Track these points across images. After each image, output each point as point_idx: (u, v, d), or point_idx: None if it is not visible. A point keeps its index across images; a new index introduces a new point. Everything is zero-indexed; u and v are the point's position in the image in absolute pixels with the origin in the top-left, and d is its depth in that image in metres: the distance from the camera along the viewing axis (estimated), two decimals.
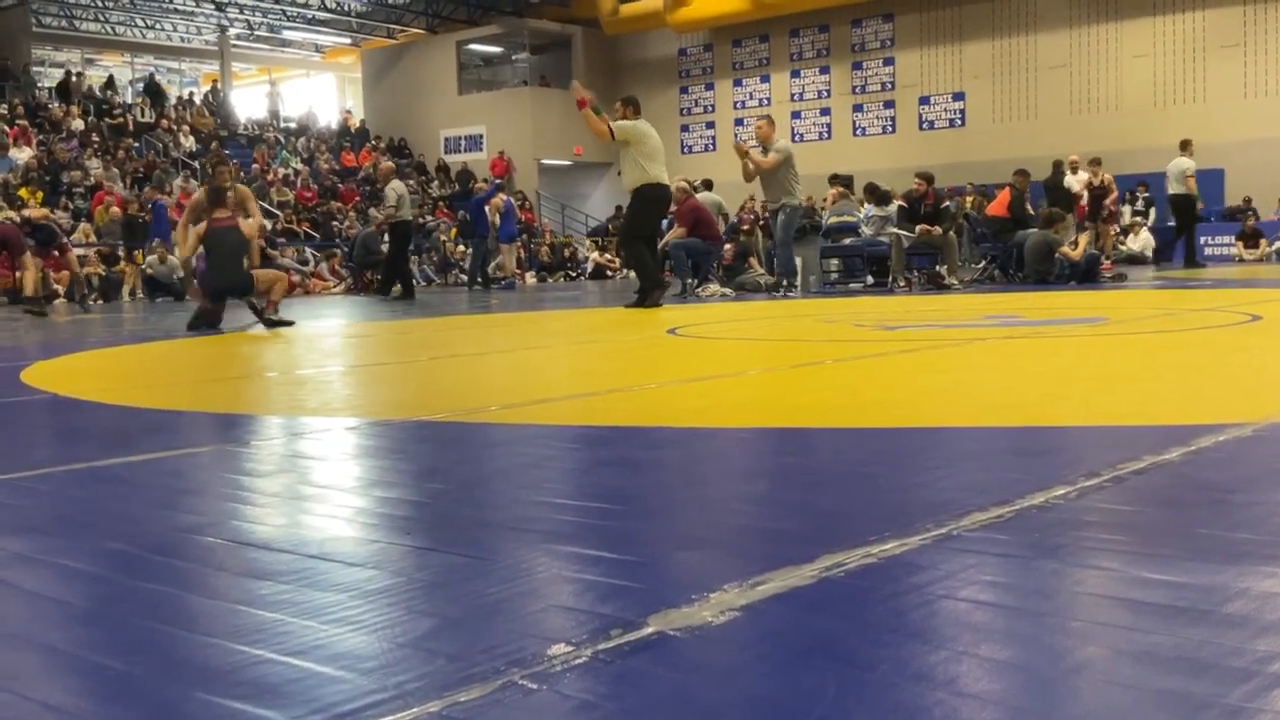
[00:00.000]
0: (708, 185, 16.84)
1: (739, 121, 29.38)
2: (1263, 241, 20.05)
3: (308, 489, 2.57)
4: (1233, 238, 20.70)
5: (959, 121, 25.98)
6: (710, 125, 30.16)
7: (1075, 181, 16.88)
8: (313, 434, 3.42)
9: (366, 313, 12.21)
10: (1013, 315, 7.65)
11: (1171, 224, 21.64)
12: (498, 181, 23.67)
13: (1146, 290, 11.28)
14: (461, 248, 24.36)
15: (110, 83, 29.55)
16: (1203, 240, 21.51)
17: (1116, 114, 23.71)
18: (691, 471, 2.65)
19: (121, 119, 26.39)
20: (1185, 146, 16.84)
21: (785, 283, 12.98)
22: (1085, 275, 12.80)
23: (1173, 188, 16.71)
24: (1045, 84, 24.72)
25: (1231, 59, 22.59)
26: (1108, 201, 18.09)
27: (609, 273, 25.37)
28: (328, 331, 9.22)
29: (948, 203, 14.06)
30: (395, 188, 15.80)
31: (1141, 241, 19.86)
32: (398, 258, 15.99)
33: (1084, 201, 17.28)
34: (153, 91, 29.07)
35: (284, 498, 2.48)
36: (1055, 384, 3.97)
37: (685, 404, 3.79)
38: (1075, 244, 13.08)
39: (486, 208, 19.41)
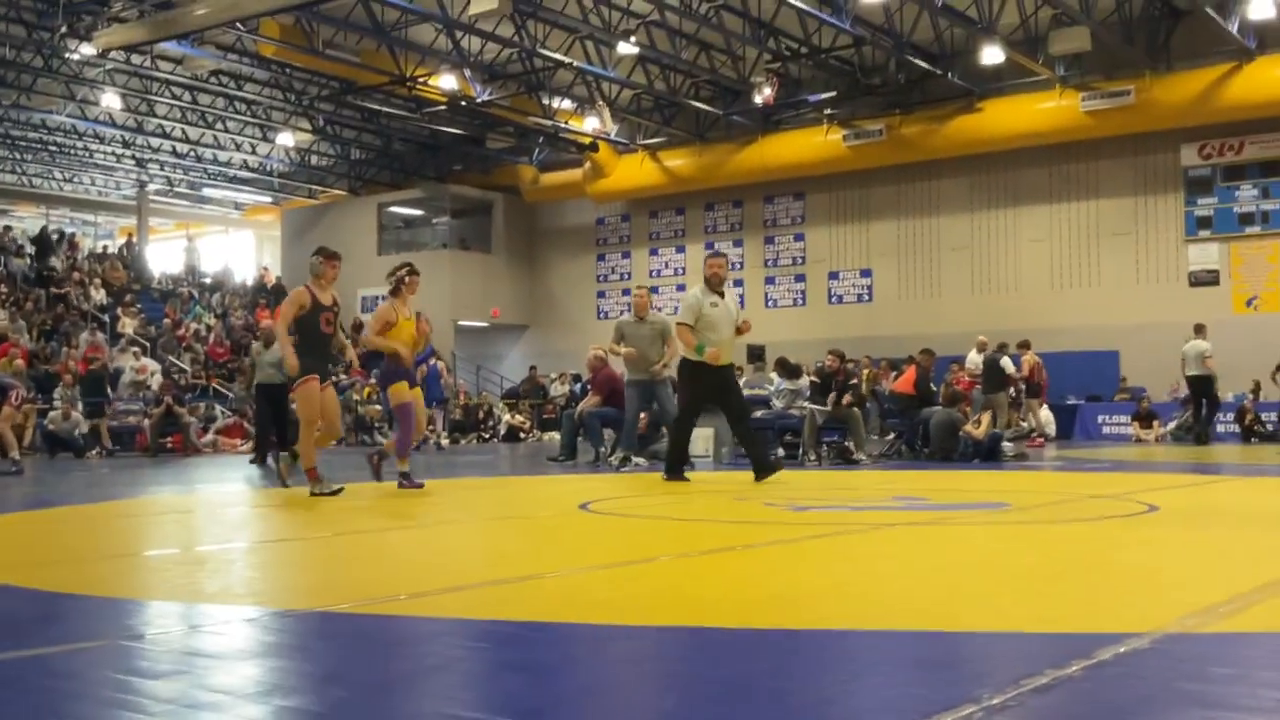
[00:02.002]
0: None
1: (655, 290, 29.92)
2: (1155, 422, 20.75)
3: (204, 694, 2.49)
4: (1129, 417, 21.40)
5: (866, 297, 26.77)
6: (626, 292, 30.65)
7: (1009, 362, 17.68)
8: (211, 626, 3.33)
9: (268, 478, 11.97)
10: (919, 498, 7.77)
11: (1071, 402, 22.42)
12: (431, 347, 23.82)
13: (1047, 472, 11.55)
14: (377, 408, 24.21)
15: (51, 239, 28.96)
16: (1100, 419, 22.22)
17: (1016, 295, 24.63)
18: (597, 680, 2.62)
19: (67, 291, 25.83)
20: (1200, 330, 17.58)
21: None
22: (988, 454, 13.10)
23: (1191, 369, 17.40)
24: (948, 264, 25.66)
25: (1123, 247, 23.72)
26: (1038, 380, 19.43)
27: (521, 434, 25.33)
28: (230, 500, 9.03)
29: (855, 379, 14.38)
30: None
31: (1042, 418, 20.40)
32: (264, 422, 14.26)
33: (1018, 378, 18.26)
34: (42, 243, 28.49)
35: (179, 704, 2.40)
36: (959, 580, 4.03)
37: (596, 595, 3.76)
38: (979, 422, 13.41)
39: (430, 369, 19.83)
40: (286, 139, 28.66)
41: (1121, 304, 23.44)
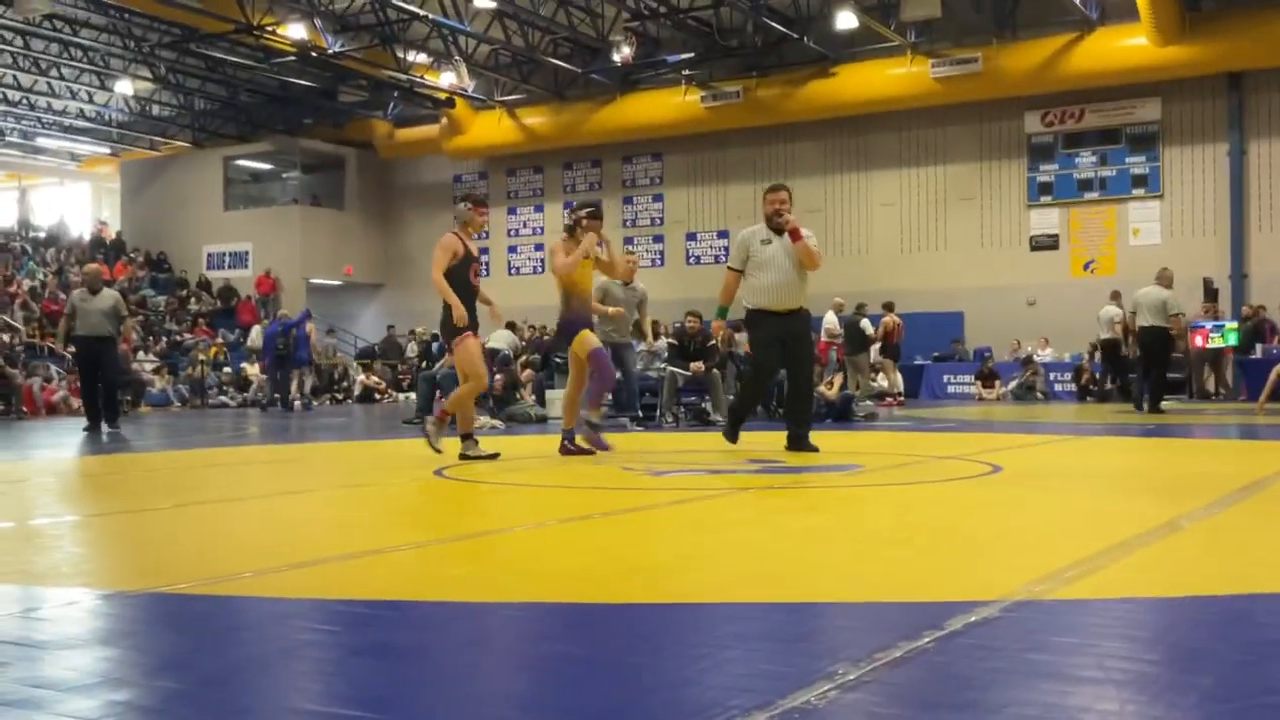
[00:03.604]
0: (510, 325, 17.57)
1: (512, 249, 29.65)
2: (997, 382, 21.48)
3: (21, 689, 2.32)
4: (972, 376, 22.10)
5: (723, 258, 26.95)
6: (484, 251, 30.34)
7: (868, 324, 18.21)
8: (34, 611, 3.12)
9: (109, 444, 11.49)
10: (773, 460, 7.85)
11: (918, 362, 23.01)
12: (306, 310, 23.58)
13: (895, 432, 11.83)
14: (228, 369, 23.73)
15: None
16: (945, 379, 22.90)
17: (867, 257, 25.15)
18: (452, 663, 2.54)
19: None
20: (1163, 278, 14.49)
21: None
22: (840, 414, 13.36)
23: (1146, 318, 14.21)
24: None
25: (969, 211, 24.41)
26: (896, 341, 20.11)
27: (377, 395, 24.89)
28: (65, 467, 8.61)
29: (713, 340, 14.46)
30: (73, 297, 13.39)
31: (895, 379, 20.91)
32: (88, 382, 13.15)
33: (877, 340, 18.96)
34: None
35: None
36: (813, 546, 4.05)
37: (449, 570, 3.67)
38: (831, 384, 13.66)
39: (299, 331, 20.40)
40: (125, 87, 27.38)
41: (966, 267, 24.16)
